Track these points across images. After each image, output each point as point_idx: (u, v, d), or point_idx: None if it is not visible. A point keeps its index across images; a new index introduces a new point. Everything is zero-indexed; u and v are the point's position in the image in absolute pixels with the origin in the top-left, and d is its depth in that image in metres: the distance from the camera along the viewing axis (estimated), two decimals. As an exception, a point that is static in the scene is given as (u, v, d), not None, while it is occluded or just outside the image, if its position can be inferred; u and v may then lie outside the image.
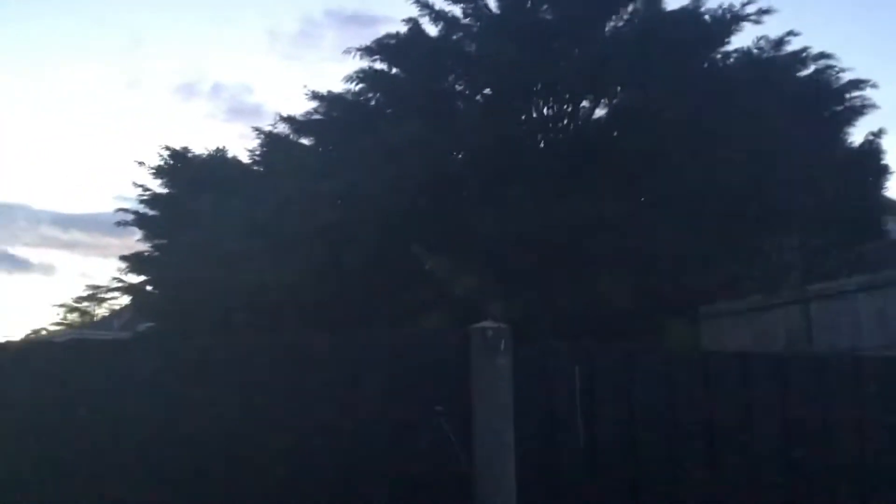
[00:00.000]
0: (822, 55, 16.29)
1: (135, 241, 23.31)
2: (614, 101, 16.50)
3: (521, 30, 15.68)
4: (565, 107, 16.55)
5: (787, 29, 16.15)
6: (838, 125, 16.54)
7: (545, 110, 16.53)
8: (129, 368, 5.66)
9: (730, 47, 16.45)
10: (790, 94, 15.63)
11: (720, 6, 15.81)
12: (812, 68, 16.42)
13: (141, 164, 21.77)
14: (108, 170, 72.52)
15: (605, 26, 16.38)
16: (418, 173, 15.21)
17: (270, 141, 19.52)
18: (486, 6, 16.51)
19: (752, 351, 8.70)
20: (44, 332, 35.12)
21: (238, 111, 55.36)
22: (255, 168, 20.75)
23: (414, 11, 16.48)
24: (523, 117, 16.61)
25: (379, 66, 16.98)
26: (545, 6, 16.25)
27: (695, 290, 13.73)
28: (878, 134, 16.49)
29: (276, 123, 19.02)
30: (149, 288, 22.67)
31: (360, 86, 17.13)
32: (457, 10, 16.61)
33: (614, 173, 14.98)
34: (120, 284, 24.20)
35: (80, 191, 75.30)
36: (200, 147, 23.72)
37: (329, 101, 17.73)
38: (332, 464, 5.59)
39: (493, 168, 15.46)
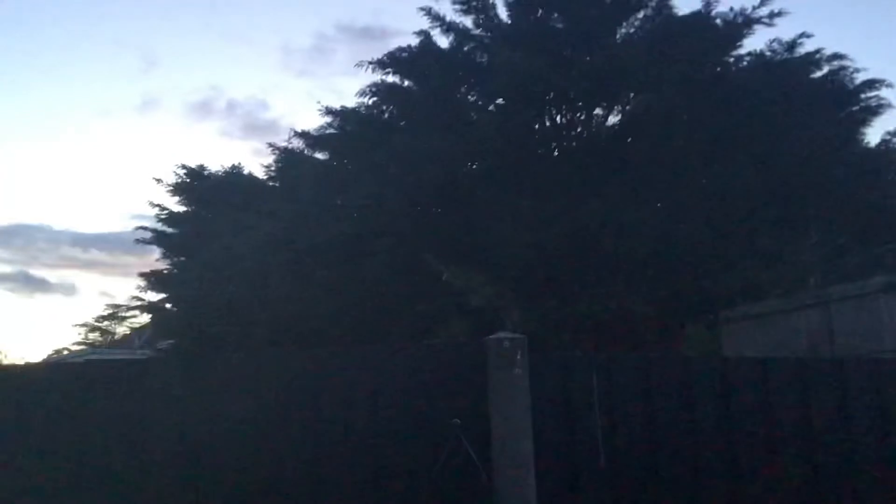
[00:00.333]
0: (836, 56, 16.21)
1: (154, 260, 23.54)
2: (627, 107, 16.46)
3: (533, 39, 15.68)
4: (578, 114, 16.52)
5: (800, 31, 16.14)
6: (854, 125, 16.43)
7: (558, 118, 16.51)
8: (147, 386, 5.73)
9: (742, 51, 16.42)
10: (805, 96, 15.54)
11: (732, 10, 15.78)
12: (826, 69, 16.33)
13: (159, 181, 22.00)
14: (125, 189, 73.19)
15: (616, 33, 16.36)
16: (433, 184, 15.23)
17: (285, 156, 19.63)
18: (496, 16, 16.55)
19: (773, 356, 8.62)
20: (65, 352, 35.33)
21: (253, 127, 55.67)
22: (271, 183, 20.89)
23: (425, 24, 16.57)
24: (537, 126, 16.59)
25: (391, 79, 17.06)
26: (556, 14, 16.25)
27: (714, 295, 13.65)
28: (895, 133, 16.40)
29: (290, 139, 19.14)
30: (168, 305, 22.83)
31: (374, 99, 17.19)
32: (468, 21, 16.68)
33: (629, 180, 14.92)
34: (140, 303, 24.43)
35: (98, 210, 75.97)
36: (216, 164, 23.97)
37: (343, 116, 17.80)
38: (351, 479, 5.59)
39: (507, 177, 15.46)
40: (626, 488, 5.79)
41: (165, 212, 22.11)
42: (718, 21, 15.90)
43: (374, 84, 16.96)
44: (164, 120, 62.17)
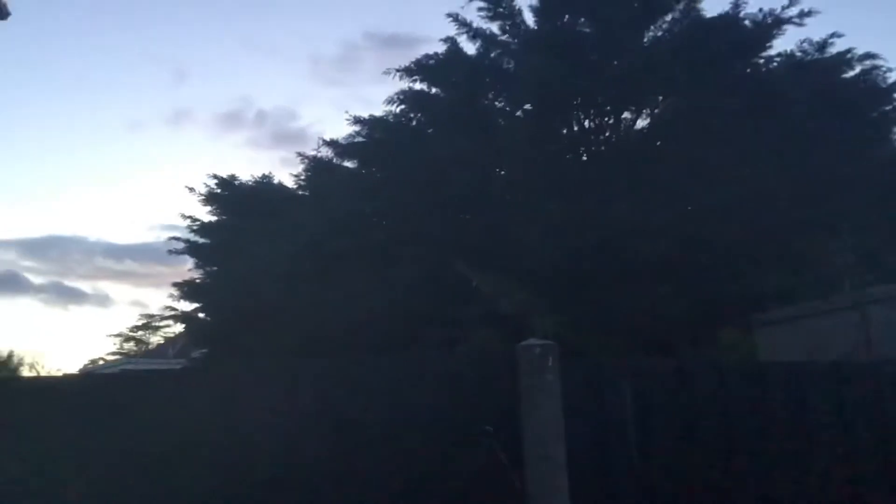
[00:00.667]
0: (868, 55, 16.04)
1: (186, 269, 23.73)
2: (656, 110, 16.36)
3: (559, 44, 15.65)
4: (606, 119, 16.46)
5: (831, 30, 15.97)
6: (887, 124, 16.21)
7: (586, 123, 16.47)
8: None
9: (772, 51, 16.27)
10: (836, 96, 15.35)
11: (760, 10, 15.64)
12: (858, 69, 16.15)
13: (191, 190, 22.21)
14: (158, 200, 74.03)
15: (643, 37, 16.28)
16: (462, 191, 15.24)
17: (315, 165, 19.75)
18: (523, 22, 16.55)
19: (807, 361, 8.50)
20: (101, 363, 35.77)
21: (282, 137, 56.05)
22: (301, 192, 21.00)
23: (452, 30, 16.62)
24: (565, 131, 16.56)
25: (419, 86, 17.14)
26: (582, 19, 16.21)
27: (747, 298, 13.48)
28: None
29: (319, 148, 19.28)
30: (201, 315, 23.01)
31: (401, 107, 17.27)
32: (494, 28, 16.71)
33: (659, 183, 14.82)
34: (173, 312, 24.65)
35: (131, 221, 76.98)
36: (247, 174, 24.13)
37: (371, 124, 17.88)
38: (384, 486, 5.60)
39: (535, 183, 15.42)
40: (660, 492, 5.74)
41: (197, 222, 22.29)
42: (747, 22, 15.77)
43: (402, 92, 17.05)
44: (195, 131, 62.83)
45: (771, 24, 15.65)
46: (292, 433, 5.66)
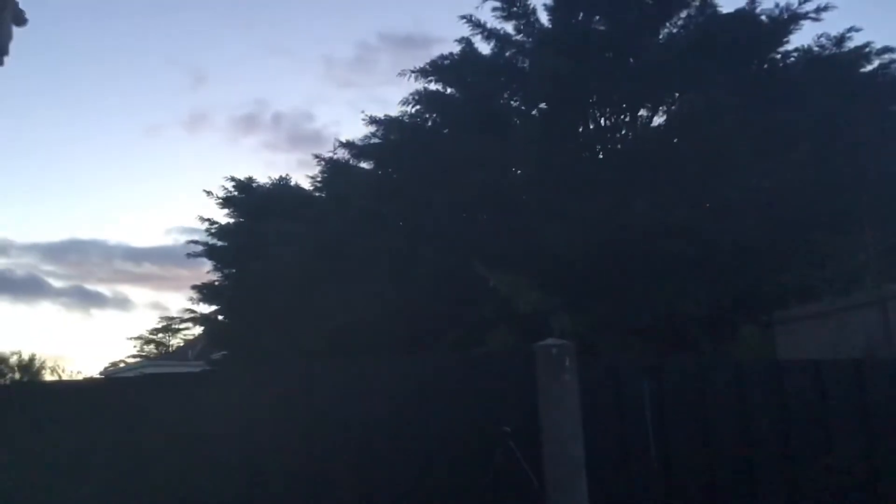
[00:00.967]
0: (887, 49, 15.88)
1: (205, 272, 23.89)
2: (672, 107, 16.28)
3: (574, 42, 15.60)
4: (623, 116, 16.40)
5: (849, 25, 15.86)
6: (907, 119, 16.04)
7: (602, 121, 16.41)
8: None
9: (789, 46, 16.13)
10: (855, 91, 15.23)
11: (777, 5, 15.52)
12: (876, 63, 16.01)
13: (209, 193, 22.37)
14: (176, 203, 74.56)
15: (659, 33, 16.21)
16: (478, 191, 15.23)
17: (331, 167, 19.80)
18: (537, 21, 16.51)
19: (827, 359, 8.44)
20: (121, 365, 36.08)
21: (298, 139, 56.36)
22: (318, 194, 21.07)
23: (466, 31, 16.61)
24: (580, 130, 16.51)
25: (434, 86, 17.13)
26: (597, 17, 16.16)
27: (767, 295, 13.40)
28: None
29: (335, 149, 19.33)
30: (220, 317, 23.15)
31: (417, 107, 17.28)
32: (509, 27, 16.68)
33: (677, 180, 14.75)
34: (192, 315, 24.83)
35: (150, 225, 77.56)
36: (264, 176, 24.26)
37: (387, 125, 17.91)
38: (402, 486, 5.61)
39: (552, 182, 15.39)
40: (680, 492, 5.72)
41: (215, 225, 22.45)
42: (763, 17, 15.64)
43: (417, 92, 17.06)
44: (212, 134, 63.28)
45: (787, 20, 15.52)
46: (311, 432, 5.68)
